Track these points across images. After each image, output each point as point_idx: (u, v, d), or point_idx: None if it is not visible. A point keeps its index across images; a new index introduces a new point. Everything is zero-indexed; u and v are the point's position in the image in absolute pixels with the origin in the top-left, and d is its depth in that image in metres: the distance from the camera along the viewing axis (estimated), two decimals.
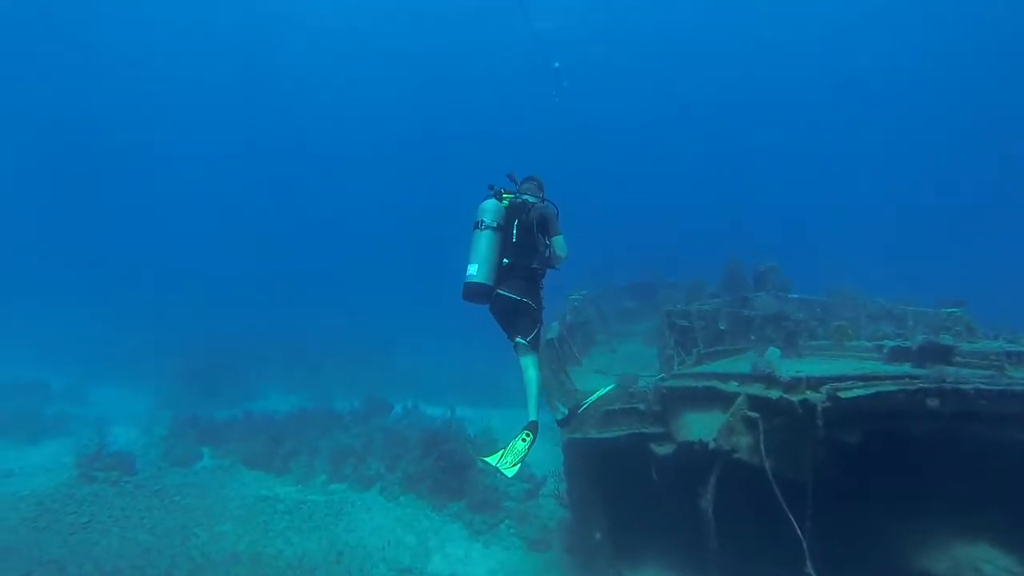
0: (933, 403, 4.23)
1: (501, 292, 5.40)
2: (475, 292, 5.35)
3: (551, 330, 7.82)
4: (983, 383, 4.31)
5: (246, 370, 19.66)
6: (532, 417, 5.66)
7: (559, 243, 5.68)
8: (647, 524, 6.80)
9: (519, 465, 5.51)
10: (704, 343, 7.17)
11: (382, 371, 19.83)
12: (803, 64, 39.70)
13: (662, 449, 6.16)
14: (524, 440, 5.53)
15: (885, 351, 5.20)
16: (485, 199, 5.67)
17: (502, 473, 5.52)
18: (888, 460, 5.18)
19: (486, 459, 5.56)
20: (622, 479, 6.49)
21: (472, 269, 5.35)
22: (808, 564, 4.52)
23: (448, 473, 10.07)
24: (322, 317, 30.69)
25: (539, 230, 5.63)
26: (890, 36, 35.90)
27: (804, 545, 4.54)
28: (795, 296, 8.40)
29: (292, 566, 7.70)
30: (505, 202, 5.68)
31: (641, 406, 6.40)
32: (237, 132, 52.00)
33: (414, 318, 29.68)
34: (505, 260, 5.48)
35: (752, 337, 7.42)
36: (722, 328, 7.51)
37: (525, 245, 5.53)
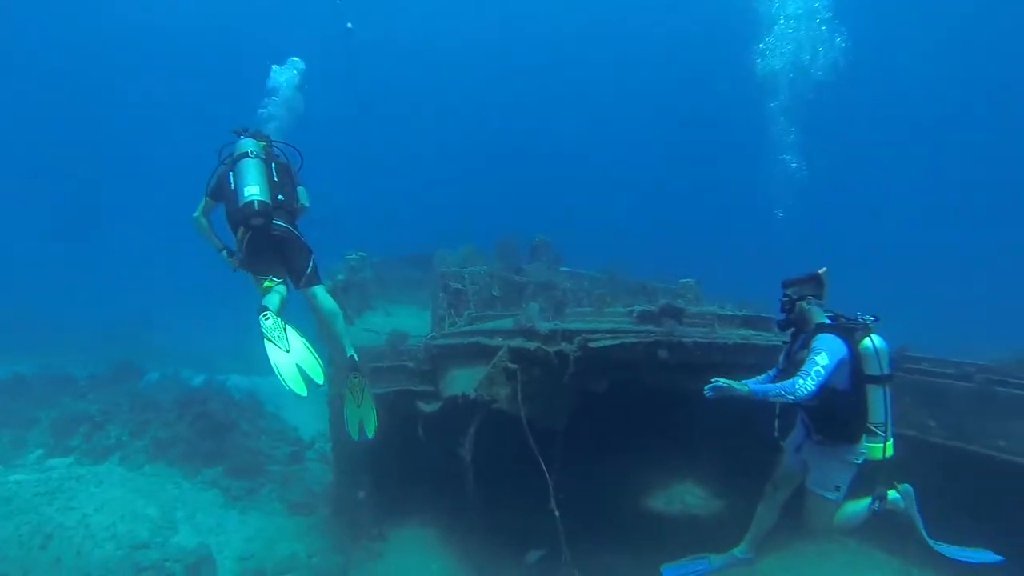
0: (663, 353, 4.79)
1: (279, 223, 5.00)
2: (261, 212, 4.80)
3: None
4: (699, 338, 5.01)
5: None
6: (350, 353, 5.24)
7: (304, 193, 5.55)
8: (411, 480, 6.85)
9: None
10: (476, 307, 7.40)
11: (142, 340, 17.37)
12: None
13: (429, 407, 6.25)
14: (356, 377, 5.24)
15: (635, 315, 5.80)
16: (238, 140, 5.26)
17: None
18: (627, 409, 5.80)
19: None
20: (388, 435, 6.45)
21: (254, 190, 4.84)
22: (552, 501, 4.89)
23: (205, 436, 9.14)
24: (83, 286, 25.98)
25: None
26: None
27: (550, 485, 4.91)
28: (566, 269, 9.05)
29: None
30: (263, 143, 5.31)
31: (410, 363, 6.43)
32: None
33: (183, 288, 26.33)
34: (280, 196, 5.08)
35: (523, 304, 7.82)
36: (495, 294, 7.82)
37: (287, 185, 5.24)
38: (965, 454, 5.47)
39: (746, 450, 5.02)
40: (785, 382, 3.66)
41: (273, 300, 4.80)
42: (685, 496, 7.65)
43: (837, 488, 4.00)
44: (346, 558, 6.76)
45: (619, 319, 5.99)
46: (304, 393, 4.68)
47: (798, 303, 4.17)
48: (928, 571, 5.72)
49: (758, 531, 4.67)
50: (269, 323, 4.59)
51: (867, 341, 3.90)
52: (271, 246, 5.03)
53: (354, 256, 9.46)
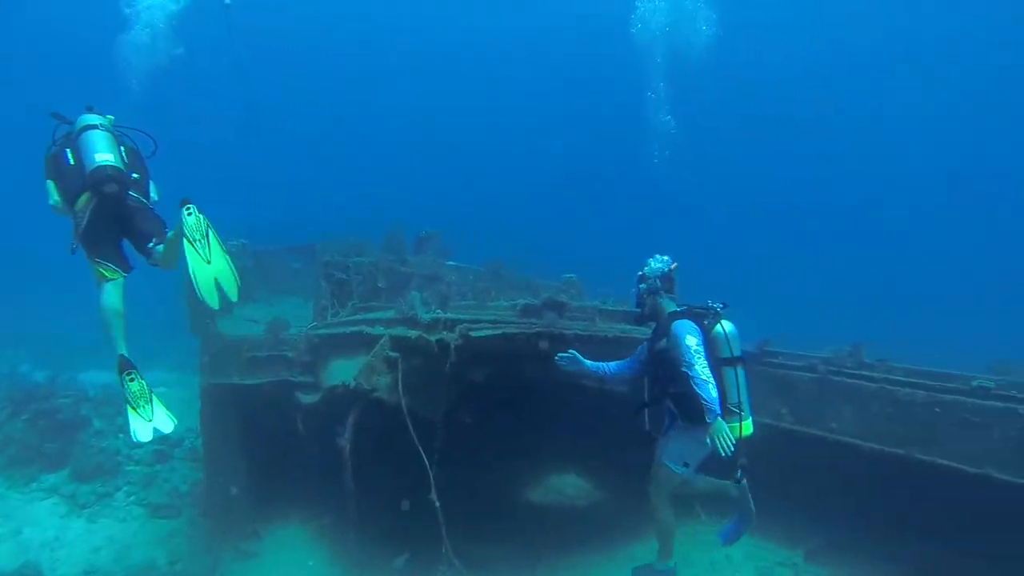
0: (544, 344, 4.95)
1: (135, 195, 4.55)
2: (115, 178, 4.29)
3: None
4: (580, 330, 5.20)
5: None
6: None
7: (155, 188, 4.94)
8: (289, 476, 6.60)
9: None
10: (360, 297, 7.26)
11: None
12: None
13: (308, 398, 6.07)
14: (190, 211, 4.16)
15: (518, 308, 5.94)
16: (78, 118, 4.75)
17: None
18: (507, 400, 5.89)
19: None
20: (264, 428, 6.21)
21: (107, 156, 4.33)
22: (432, 492, 4.91)
23: (48, 437, 8.14)
24: None
25: None
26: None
27: (431, 475, 4.93)
28: (452, 263, 9.05)
29: None
30: (107, 120, 4.82)
31: (290, 353, 6.22)
32: None
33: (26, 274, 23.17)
34: (134, 175, 4.65)
35: (407, 294, 7.75)
36: (380, 285, 7.70)
37: (139, 169, 4.78)
38: (806, 437, 6.05)
39: (622, 442, 5.26)
40: (697, 389, 3.90)
41: (118, 327, 4.27)
42: (565, 488, 7.88)
43: (686, 464, 4.30)
44: (215, 560, 6.29)
45: (502, 312, 6.11)
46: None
47: (650, 297, 4.48)
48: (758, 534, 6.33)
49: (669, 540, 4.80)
50: (135, 386, 4.11)
51: (718, 326, 4.22)
52: (120, 219, 4.45)
53: (234, 243, 8.95)
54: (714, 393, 3.90)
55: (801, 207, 37.48)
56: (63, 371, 11.16)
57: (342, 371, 5.48)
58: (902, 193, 36.20)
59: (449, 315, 4.89)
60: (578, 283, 7.29)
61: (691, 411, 4.22)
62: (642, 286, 4.54)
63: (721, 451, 3.81)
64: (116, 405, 9.48)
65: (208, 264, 4.09)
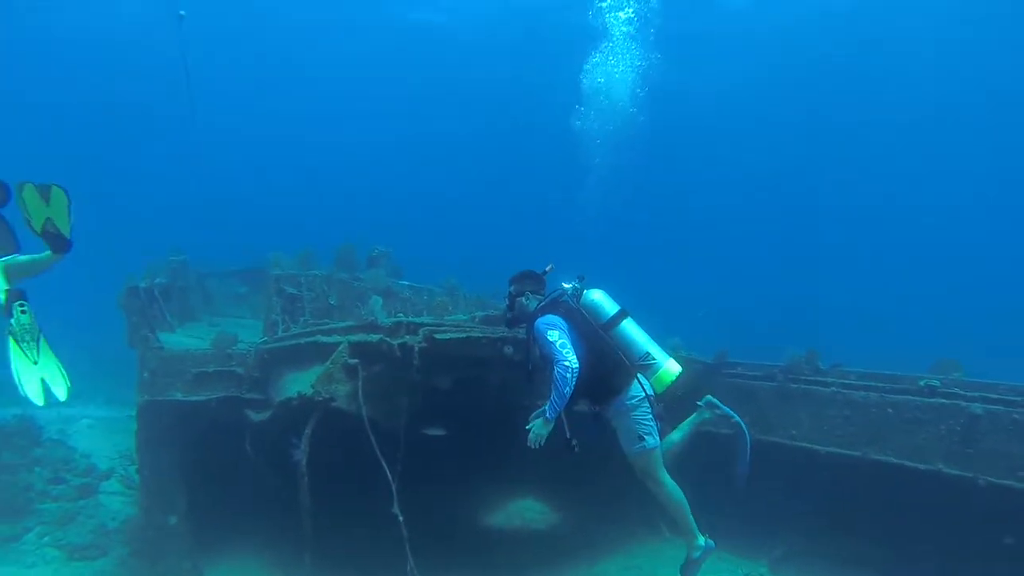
0: (509, 350, 4.85)
1: None
2: None
3: (141, 279, 6.69)
4: None
5: None
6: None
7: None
8: (236, 502, 6.18)
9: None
10: (312, 314, 6.99)
11: None
12: None
13: (259, 415, 5.74)
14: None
15: (477, 319, 5.86)
16: None
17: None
18: (472, 411, 5.72)
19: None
20: (210, 449, 5.83)
21: None
22: (395, 504, 4.68)
23: None
24: None
25: None
26: None
27: (393, 487, 4.69)
28: (405, 283, 8.86)
29: None
30: None
31: (239, 369, 5.90)
32: None
33: None
34: None
35: (364, 303, 7.51)
36: (332, 302, 7.46)
37: None
38: (767, 445, 6.11)
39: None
40: (554, 384, 3.83)
41: None
42: (524, 512, 7.69)
43: (641, 437, 4.12)
44: None
45: (463, 323, 5.99)
46: (41, 403, 3.91)
47: (517, 299, 4.49)
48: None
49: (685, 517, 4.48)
50: (26, 319, 3.75)
51: (583, 298, 4.26)
52: None
53: (177, 258, 8.50)
54: (567, 390, 3.81)
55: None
56: None
57: (296, 385, 5.20)
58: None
59: (412, 319, 4.73)
60: None
61: (595, 392, 4.20)
62: (512, 287, 4.54)
63: (531, 445, 3.81)
64: (31, 435, 8.62)
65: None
